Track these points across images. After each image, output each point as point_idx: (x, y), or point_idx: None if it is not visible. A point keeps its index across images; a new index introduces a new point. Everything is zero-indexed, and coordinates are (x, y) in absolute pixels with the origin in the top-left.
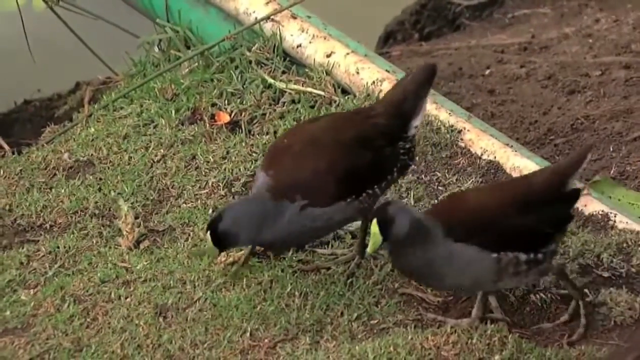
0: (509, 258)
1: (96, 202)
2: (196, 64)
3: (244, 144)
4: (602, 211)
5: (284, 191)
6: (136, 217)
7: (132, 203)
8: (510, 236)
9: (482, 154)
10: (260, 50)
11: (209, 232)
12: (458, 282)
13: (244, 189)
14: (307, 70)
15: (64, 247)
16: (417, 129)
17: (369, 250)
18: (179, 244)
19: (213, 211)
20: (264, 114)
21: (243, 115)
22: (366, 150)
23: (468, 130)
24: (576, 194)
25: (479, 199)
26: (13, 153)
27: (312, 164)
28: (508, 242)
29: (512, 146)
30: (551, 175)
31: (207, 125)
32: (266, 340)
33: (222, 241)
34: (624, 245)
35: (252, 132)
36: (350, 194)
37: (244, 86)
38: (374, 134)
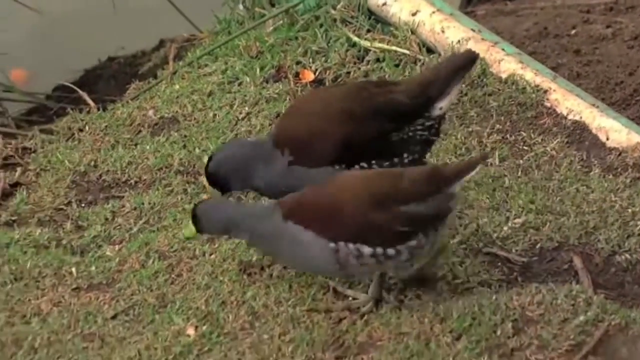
0: (349, 250)
1: (181, 159)
2: (281, 21)
3: None
4: None
5: (279, 142)
6: None
7: None
8: (352, 229)
9: (567, 114)
10: (345, 8)
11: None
12: (305, 264)
13: None
14: (392, 28)
15: (149, 203)
16: (443, 110)
17: (184, 234)
18: (263, 200)
19: None
20: (349, 73)
21: (327, 73)
22: (372, 124)
23: (554, 90)
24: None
25: (337, 186)
26: (98, 109)
27: (311, 123)
28: (350, 234)
29: (598, 106)
30: (429, 179)
31: (292, 83)
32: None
33: (214, 183)
34: None
35: None
36: (340, 162)
37: (329, 44)
38: (387, 111)
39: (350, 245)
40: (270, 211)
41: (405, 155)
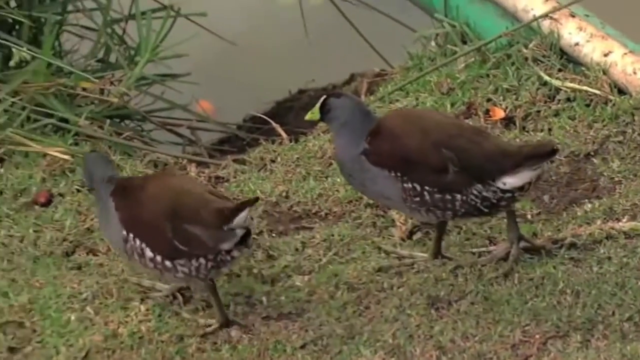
0: (135, 245)
1: None
2: (472, 59)
3: (518, 139)
4: None
5: (373, 130)
6: None
7: None
8: (143, 228)
9: None
10: (537, 47)
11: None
12: (112, 243)
13: None
14: (583, 68)
15: (338, 235)
16: (507, 186)
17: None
18: (451, 236)
19: None
20: (539, 111)
21: (518, 111)
22: (437, 154)
23: None
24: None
25: (156, 183)
26: (290, 141)
27: (396, 127)
28: (140, 232)
29: None
30: (219, 212)
31: (482, 120)
32: (537, 336)
33: (326, 111)
34: None
35: (526, 129)
36: (396, 171)
37: (520, 83)
38: (458, 154)
39: (137, 242)
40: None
41: (458, 196)
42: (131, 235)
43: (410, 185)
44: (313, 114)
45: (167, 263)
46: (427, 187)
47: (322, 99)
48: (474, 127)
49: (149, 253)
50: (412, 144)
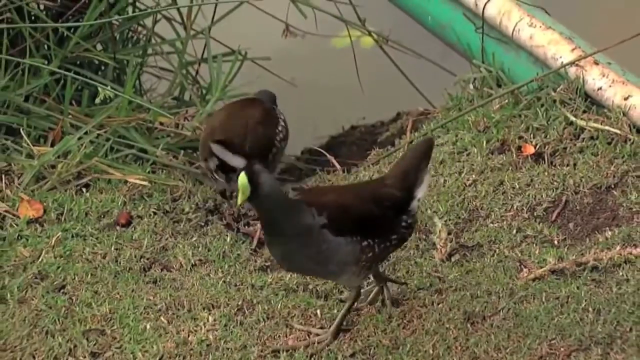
0: None
1: None
2: (506, 100)
3: (546, 173)
4: None
5: (312, 204)
6: (449, 233)
7: (445, 220)
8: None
9: None
10: (564, 91)
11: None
12: None
13: (545, 213)
14: (605, 110)
15: None
16: (419, 202)
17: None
18: (485, 259)
19: (517, 232)
20: (565, 148)
21: (546, 148)
22: (376, 206)
23: None
24: None
25: None
26: (343, 171)
27: (333, 197)
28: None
29: None
30: None
31: (514, 155)
32: (562, 349)
33: (255, 185)
34: None
35: (554, 164)
36: (354, 235)
37: (548, 122)
38: (386, 198)
39: None
40: None
41: (394, 237)
42: None
43: (366, 242)
44: (244, 195)
45: None
46: (377, 239)
47: (240, 172)
48: (371, 180)
49: None
50: (358, 204)
